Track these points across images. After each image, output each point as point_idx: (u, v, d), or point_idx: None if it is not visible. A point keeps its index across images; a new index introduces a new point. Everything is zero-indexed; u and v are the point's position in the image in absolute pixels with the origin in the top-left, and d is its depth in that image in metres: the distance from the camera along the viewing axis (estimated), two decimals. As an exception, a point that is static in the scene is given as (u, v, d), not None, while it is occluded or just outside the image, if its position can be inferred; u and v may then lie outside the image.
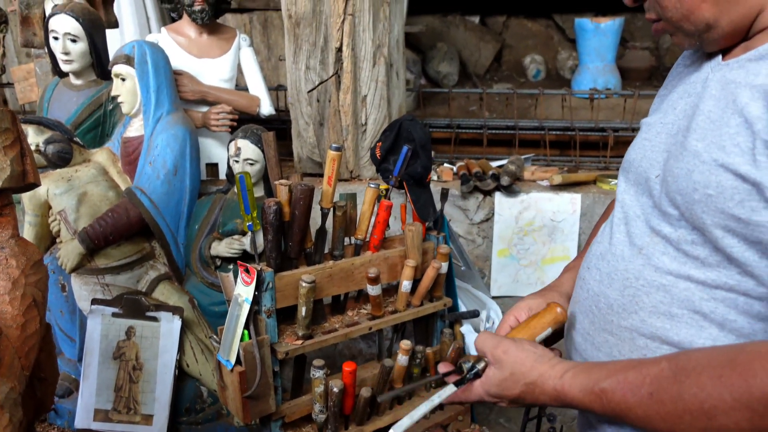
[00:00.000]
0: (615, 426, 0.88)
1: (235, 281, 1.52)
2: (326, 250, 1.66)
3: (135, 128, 2.18)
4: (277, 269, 1.50)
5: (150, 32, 4.15)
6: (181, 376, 2.04)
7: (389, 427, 1.74)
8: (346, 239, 1.67)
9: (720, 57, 0.83)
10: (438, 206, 1.80)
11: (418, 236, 1.70)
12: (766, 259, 0.72)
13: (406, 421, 0.96)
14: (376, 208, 1.67)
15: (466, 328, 1.84)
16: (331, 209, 1.61)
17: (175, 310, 1.98)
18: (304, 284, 1.45)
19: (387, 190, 1.73)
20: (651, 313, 0.84)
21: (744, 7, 0.75)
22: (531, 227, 2.19)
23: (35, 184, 1.32)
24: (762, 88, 0.71)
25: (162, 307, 1.99)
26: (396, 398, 1.75)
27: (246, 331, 1.45)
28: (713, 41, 0.80)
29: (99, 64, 2.25)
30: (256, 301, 1.46)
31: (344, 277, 1.63)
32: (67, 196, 2.08)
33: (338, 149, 1.53)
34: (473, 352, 1.86)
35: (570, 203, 2.17)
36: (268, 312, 1.49)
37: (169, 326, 1.97)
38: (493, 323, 1.90)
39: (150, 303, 2.00)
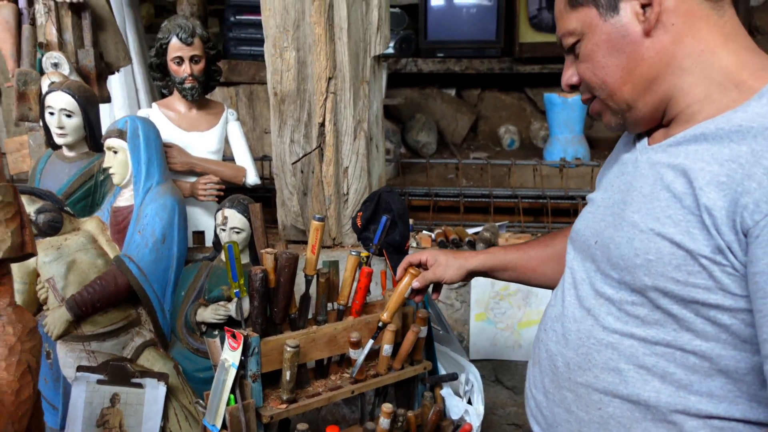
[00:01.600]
0: None
1: (222, 346, 1.57)
2: (310, 316, 1.73)
3: (125, 198, 2.26)
4: (263, 334, 1.56)
5: (139, 105, 4.31)
6: (163, 444, 2.04)
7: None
8: (329, 305, 1.74)
9: (646, 141, 0.96)
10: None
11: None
12: (701, 317, 0.82)
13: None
14: (357, 275, 1.75)
15: (446, 391, 1.90)
16: (315, 276, 1.69)
17: (160, 376, 2.01)
18: (288, 349, 1.51)
19: (368, 257, 1.82)
20: (602, 370, 0.93)
21: (657, 93, 0.90)
22: (506, 292, 2.28)
23: (32, 254, 1.39)
24: (680, 167, 0.84)
25: (147, 373, 2.02)
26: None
27: (232, 396, 1.49)
28: (635, 121, 0.94)
29: (92, 137, 2.35)
30: (242, 365, 1.51)
31: (327, 342, 1.68)
32: (56, 264, 2.13)
33: (321, 219, 1.63)
34: (454, 415, 1.91)
35: (543, 268, 2.27)
36: (254, 376, 1.53)
37: (154, 393, 1.99)
38: (472, 386, 1.96)
39: (135, 369, 2.02)
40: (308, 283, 1.68)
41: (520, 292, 2.30)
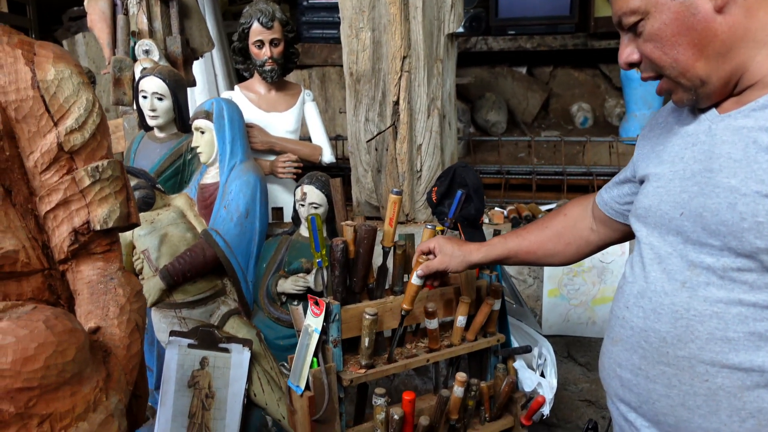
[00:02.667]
0: None
1: (305, 313, 1.66)
2: (387, 286, 1.80)
3: (211, 176, 2.40)
4: (343, 302, 1.64)
5: (217, 89, 4.50)
6: (248, 405, 2.18)
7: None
8: (405, 276, 1.81)
9: (714, 110, 0.95)
10: (490, 247, 1.92)
11: (472, 274, 1.81)
12: None
13: None
14: (432, 248, 1.80)
15: (518, 364, 1.92)
16: (392, 248, 1.75)
17: (245, 342, 2.14)
18: (367, 317, 1.59)
19: (442, 231, 1.86)
20: (708, 341, 0.91)
21: (731, 66, 0.90)
22: (581, 268, 2.27)
23: (137, 224, 1.51)
24: None
25: (233, 339, 2.15)
26: (451, 429, 1.83)
27: (315, 359, 1.59)
28: (707, 96, 0.94)
29: (180, 118, 2.50)
30: (324, 331, 1.60)
31: (403, 312, 1.75)
32: (150, 237, 2.30)
33: (399, 193, 1.68)
34: (526, 387, 1.93)
35: (619, 246, 2.24)
36: (335, 342, 1.62)
37: (240, 357, 2.12)
38: (545, 359, 1.97)
39: (222, 335, 2.16)
40: (386, 254, 1.75)
41: (595, 269, 2.29)
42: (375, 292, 1.74)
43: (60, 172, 1.34)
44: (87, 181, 1.35)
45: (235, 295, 2.32)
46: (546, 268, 2.33)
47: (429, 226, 1.79)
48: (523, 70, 5.58)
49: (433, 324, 1.71)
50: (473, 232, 1.88)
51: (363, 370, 1.65)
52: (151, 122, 2.46)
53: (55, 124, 1.33)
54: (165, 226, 2.34)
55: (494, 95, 5.21)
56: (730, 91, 0.93)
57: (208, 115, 2.33)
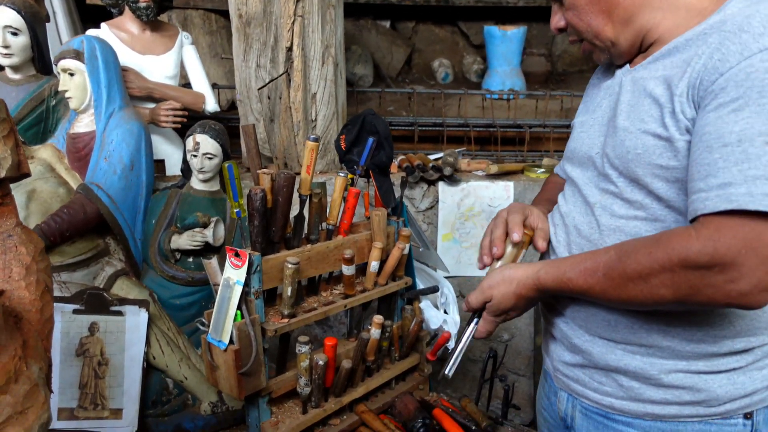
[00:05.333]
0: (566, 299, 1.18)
1: (222, 267, 1.59)
2: (302, 235, 1.77)
3: (84, 124, 2.15)
4: (262, 253, 1.60)
5: (57, 29, 3.99)
6: (146, 369, 2.05)
7: (363, 397, 1.88)
8: (321, 224, 1.79)
9: (628, 66, 1.16)
10: (398, 193, 1.97)
11: (383, 220, 1.85)
12: (683, 194, 1.01)
13: (452, 361, 1.24)
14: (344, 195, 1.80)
15: (424, 304, 2.02)
16: (309, 196, 1.72)
17: (141, 303, 2.00)
18: (290, 266, 1.56)
19: (353, 178, 1.87)
20: None
21: (635, 29, 1.10)
22: (471, 213, 2.42)
23: (27, 174, 1.33)
24: (661, 77, 1.03)
25: (127, 300, 2.00)
26: (367, 370, 1.89)
27: (239, 312, 1.54)
28: (619, 54, 1.15)
29: (40, 58, 2.20)
30: (245, 283, 1.55)
31: (320, 260, 1.75)
32: (15, 194, 2.02)
33: (316, 140, 1.66)
34: (432, 325, 2.05)
35: (504, 190, 2.42)
36: (257, 293, 1.58)
37: (136, 319, 1.98)
38: (447, 298, 2.09)
39: (113, 298, 2.00)
40: (303, 202, 1.72)
41: (484, 212, 2.45)
42: (292, 241, 1.71)
43: (-65, 112, 1.13)
44: (-28, 124, 1.15)
45: (122, 254, 2.14)
46: (440, 214, 2.44)
47: (341, 174, 1.79)
48: (387, 24, 5.63)
49: (350, 270, 1.73)
50: (383, 179, 1.92)
51: (286, 320, 1.64)
52: (3, 61, 2.14)
53: (-73, 55, 1.11)
54: (32, 181, 2.08)
55: (360, 49, 5.20)
56: (638, 49, 1.12)
57: (78, 55, 2.07)
